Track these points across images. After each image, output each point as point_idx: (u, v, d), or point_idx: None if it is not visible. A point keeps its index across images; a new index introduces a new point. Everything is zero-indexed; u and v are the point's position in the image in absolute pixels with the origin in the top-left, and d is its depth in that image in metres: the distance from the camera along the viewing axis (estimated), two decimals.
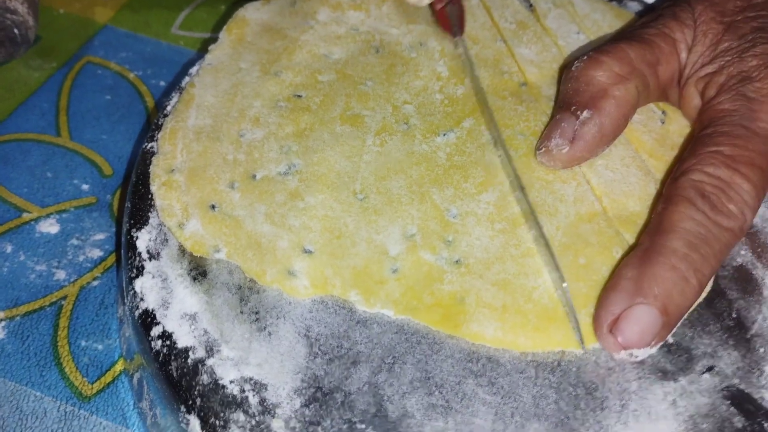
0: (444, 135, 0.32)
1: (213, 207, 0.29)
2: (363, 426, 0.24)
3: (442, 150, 0.31)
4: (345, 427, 0.24)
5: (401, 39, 0.37)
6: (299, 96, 0.33)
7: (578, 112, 0.29)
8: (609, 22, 0.37)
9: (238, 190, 0.30)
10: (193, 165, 0.31)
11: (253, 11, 0.37)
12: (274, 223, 0.29)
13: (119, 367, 0.31)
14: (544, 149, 0.30)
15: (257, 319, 0.27)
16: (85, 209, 0.36)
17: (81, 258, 0.34)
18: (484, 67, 0.35)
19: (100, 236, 0.35)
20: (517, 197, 0.29)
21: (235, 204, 0.29)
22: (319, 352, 0.26)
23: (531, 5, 0.38)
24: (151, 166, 0.31)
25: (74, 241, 0.35)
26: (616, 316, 0.25)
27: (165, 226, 0.29)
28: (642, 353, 0.25)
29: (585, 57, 0.31)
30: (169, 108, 0.33)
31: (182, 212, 0.29)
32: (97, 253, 0.34)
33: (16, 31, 0.39)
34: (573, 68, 0.31)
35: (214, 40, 0.36)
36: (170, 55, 0.44)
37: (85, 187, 0.37)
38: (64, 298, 0.33)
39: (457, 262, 0.28)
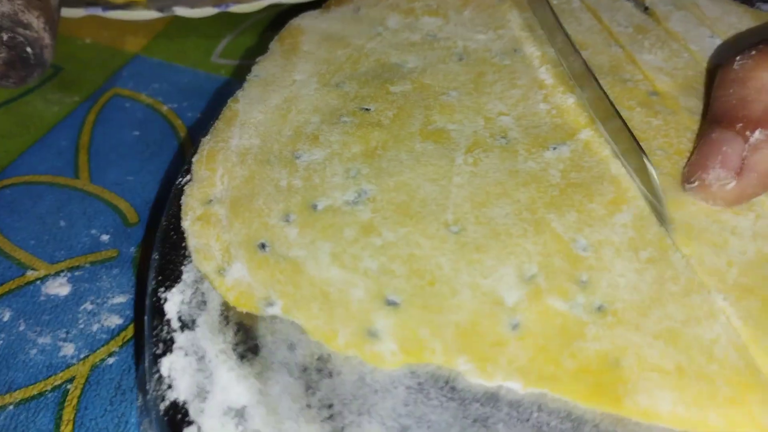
0: (554, 149, 0.25)
1: (263, 246, 0.22)
2: None
3: (553, 167, 0.24)
4: None
5: (489, 45, 0.30)
6: (367, 109, 0.27)
7: (747, 132, 0.22)
8: (747, 25, 0.30)
9: (294, 225, 0.23)
10: (237, 194, 0.24)
11: (310, 20, 0.31)
12: (345, 266, 0.21)
13: None
14: (697, 183, 0.22)
15: (331, 415, 0.19)
16: (104, 265, 0.29)
17: (95, 327, 0.27)
18: (599, 75, 0.28)
19: (120, 299, 0.28)
20: (657, 210, 0.22)
21: (292, 242, 0.22)
22: None
23: (646, 8, 0.31)
24: (183, 198, 0.24)
25: (88, 306, 0.27)
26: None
27: (201, 274, 0.22)
28: None
29: (753, 52, 0.23)
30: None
31: (223, 254, 0.22)
32: (115, 321, 0.27)
33: (29, 49, 0.33)
34: (736, 66, 0.23)
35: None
36: (209, 86, 0.38)
37: (104, 237, 0.30)
38: (71, 380, 0.25)
39: (599, 309, 0.20)
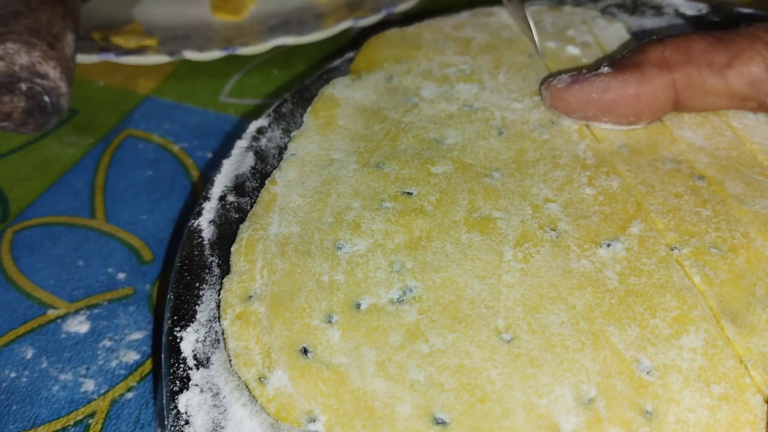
0: (608, 246, 0.23)
1: (305, 352, 0.21)
2: None
3: (609, 267, 0.22)
4: None
5: (527, 116, 0.28)
6: (409, 193, 0.25)
7: (603, 66, 0.27)
8: None
9: (338, 327, 0.21)
10: (278, 290, 0.22)
11: (343, 89, 0.30)
12: (390, 377, 0.20)
13: None
14: (551, 78, 0.28)
15: None
16: (120, 303, 0.29)
17: (113, 363, 0.27)
18: (637, 154, 0.26)
19: (137, 335, 0.28)
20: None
21: (335, 347, 0.21)
22: None
23: None
24: (222, 292, 0.23)
25: (106, 343, 0.28)
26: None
27: (215, 313, 0.22)
28: None
29: (655, 36, 0.28)
30: (217, 185, 0.26)
31: (263, 359, 0.21)
32: (132, 357, 0.27)
33: (46, 98, 0.32)
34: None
35: (265, 106, 0.29)
36: (218, 124, 0.38)
37: (120, 276, 0.30)
38: (93, 414, 0.25)
39: None
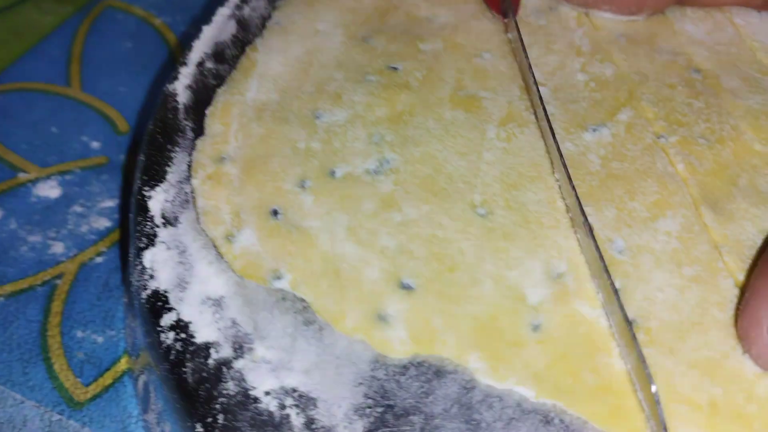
0: (594, 130, 0.22)
1: (275, 213, 0.20)
2: None
3: (593, 152, 0.21)
4: None
5: (525, 1, 0.27)
6: (395, 68, 0.24)
7: None
8: None
9: (310, 192, 0.21)
10: (252, 153, 0.21)
11: None
12: (361, 242, 0.19)
13: (122, 366, 0.23)
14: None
15: (304, 308, 0.19)
16: (94, 171, 0.29)
17: (84, 228, 0.27)
18: (634, 44, 0.25)
19: (109, 203, 0.28)
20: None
21: (306, 211, 0.20)
22: (389, 357, 0.17)
23: None
24: (194, 153, 0.22)
25: (77, 208, 0.27)
26: None
27: (186, 175, 0.21)
28: None
29: None
30: (195, 51, 0.25)
31: (232, 219, 0.20)
32: (103, 223, 0.27)
33: None
34: None
35: None
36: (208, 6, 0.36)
37: (95, 144, 0.30)
38: (60, 276, 0.25)
39: (632, 321, 0.18)
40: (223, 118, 0.22)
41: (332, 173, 0.21)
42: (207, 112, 0.23)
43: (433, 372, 0.17)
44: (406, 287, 0.19)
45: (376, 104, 0.23)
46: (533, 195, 0.20)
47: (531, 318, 0.18)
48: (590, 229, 0.18)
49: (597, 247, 0.18)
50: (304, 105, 0.23)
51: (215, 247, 0.20)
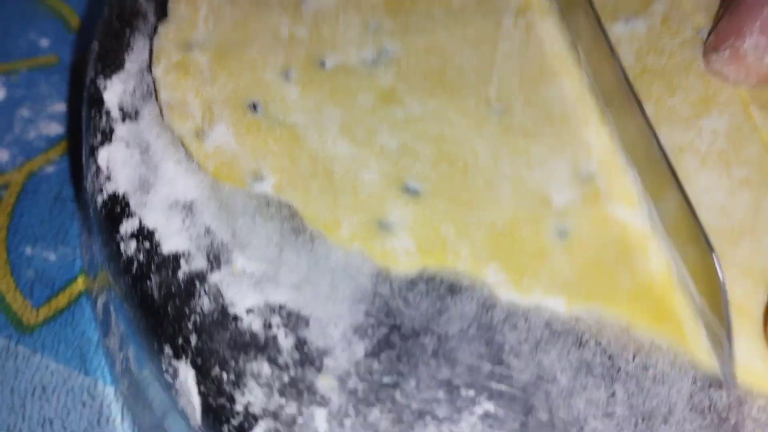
0: (626, 22, 0.19)
1: (254, 107, 0.17)
2: (472, 392, 0.13)
3: (626, 44, 0.18)
4: (441, 392, 0.13)
5: None
6: None
7: None
8: None
9: (296, 83, 0.17)
10: (225, 40, 0.18)
11: None
12: (356, 141, 0.16)
13: (79, 286, 0.20)
14: (729, 52, 0.17)
15: (292, 215, 0.16)
16: (42, 71, 0.26)
17: (32, 134, 0.24)
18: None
19: (60, 107, 0.25)
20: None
21: (291, 105, 0.17)
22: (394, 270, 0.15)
23: None
24: (155, 39, 0.18)
25: (24, 112, 0.25)
26: None
27: (147, 64, 0.18)
28: None
29: None
30: None
31: (203, 113, 0.17)
32: (54, 129, 0.24)
33: None
34: None
35: None
36: None
37: (43, 42, 0.27)
38: (6, 186, 0.23)
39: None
40: (190, 0, 0.19)
41: (322, 63, 0.18)
42: None
43: (446, 287, 0.14)
44: (411, 191, 0.16)
45: None
46: (557, 90, 0.17)
47: (557, 223, 0.15)
48: (638, 101, 0.16)
49: (646, 118, 0.15)
50: None
51: (184, 146, 0.16)
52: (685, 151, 0.16)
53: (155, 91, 0.17)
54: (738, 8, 0.17)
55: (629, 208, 0.15)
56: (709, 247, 0.13)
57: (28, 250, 0.21)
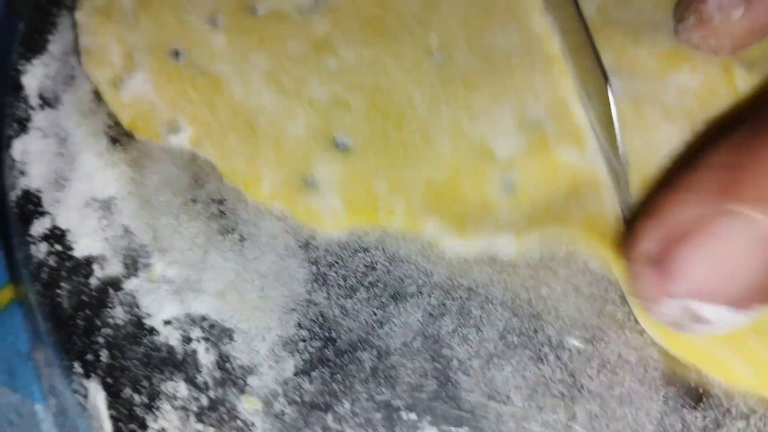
0: None
1: (176, 54, 0.16)
2: (414, 415, 0.12)
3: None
4: (379, 415, 0.12)
5: None
6: None
7: None
8: None
9: (223, 30, 0.16)
10: None
11: None
12: (283, 91, 0.15)
13: (8, 294, 0.19)
14: (694, 18, 0.16)
15: (221, 212, 0.14)
16: None
17: None
18: None
19: None
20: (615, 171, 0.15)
21: (217, 52, 0.15)
22: (332, 275, 0.13)
23: None
24: None
25: None
26: (675, 233, 0.11)
27: (85, 70, 0.16)
28: (713, 315, 0.11)
29: None
30: None
31: (123, 60, 0.15)
32: None
33: None
34: None
35: None
36: None
37: None
38: None
39: (628, 164, 0.14)
40: None
41: (253, 9, 0.16)
42: None
43: (389, 295, 0.13)
44: (340, 146, 0.14)
45: None
46: (504, 39, 0.16)
47: (501, 176, 0.14)
48: (592, 45, 0.14)
49: (599, 62, 0.14)
50: None
51: (101, 94, 0.15)
52: (647, 101, 0.15)
53: (75, 36, 0.16)
54: None
55: (578, 149, 0.14)
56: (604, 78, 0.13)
57: None
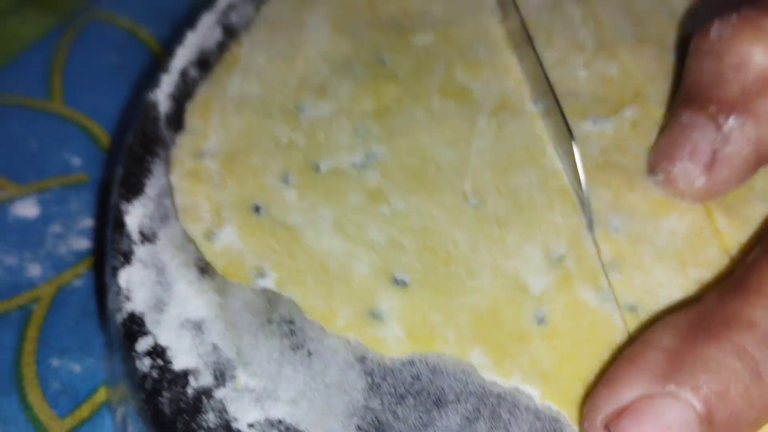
0: (595, 122, 0.21)
1: (257, 209, 0.19)
2: None
3: (593, 141, 0.20)
4: None
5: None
6: (383, 61, 0.23)
7: (721, 118, 0.17)
8: None
9: (294, 186, 0.19)
10: (232, 148, 0.20)
11: None
12: (348, 237, 0.18)
13: (101, 397, 0.21)
14: (663, 176, 0.18)
15: (291, 331, 0.17)
16: (74, 188, 0.27)
17: (63, 250, 0.25)
18: (643, 44, 0.23)
19: (89, 222, 0.26)
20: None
21: (290, 206, 0.19)
22: (385, 385, 0.16)
23: None
24: (173, 149, 0.20)
25: (56, 228, 0.26)
26: (623, 407, 0.13)
27: (166, 187, 0.20)
28: None
29: (733, 18, 0.18)
30: (178, 58, 0.23)
31: (213, 216, 0.19)
32: (83, 244, 0.25)
33: None
34: (712, 35, 0.18)
35: None
36: (194, 12, 0.35)
37: (75, 161, 0.28)
38: (37, 300, 0.23)
39: (632, 309, 0.16)
40: (203, 112, 0.21)
41: (317, 167, 0.20)
42: (187, 107, 0.21)
43: (432, 401, 0.16)
44: (399, 282, 0.17)
45: (362, 96, 0.21)
46: (525, 179, 0.19)
47: (534, 309, 0.16)
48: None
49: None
50: (288, 98, 0.21)
51: (195, 246, 0.18)
52: (641, 241, 0.18)
53: (171, 196, 0.19)
54: (671, 127, 0.18)
55: (597, 292, 0.17)
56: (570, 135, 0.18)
57: (55, 362, 0.22)
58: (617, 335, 0.16)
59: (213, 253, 0.18)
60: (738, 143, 0.17)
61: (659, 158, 0.18)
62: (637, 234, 0.18)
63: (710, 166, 0.17)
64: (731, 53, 0.17)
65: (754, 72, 0.17)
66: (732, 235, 0.18)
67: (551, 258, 0.17)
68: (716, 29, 0.18)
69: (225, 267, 0.18)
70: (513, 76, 0.22)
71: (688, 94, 0.19)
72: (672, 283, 0.17)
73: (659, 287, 0.17)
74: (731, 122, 0.17)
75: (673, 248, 0.17)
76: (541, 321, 0.16)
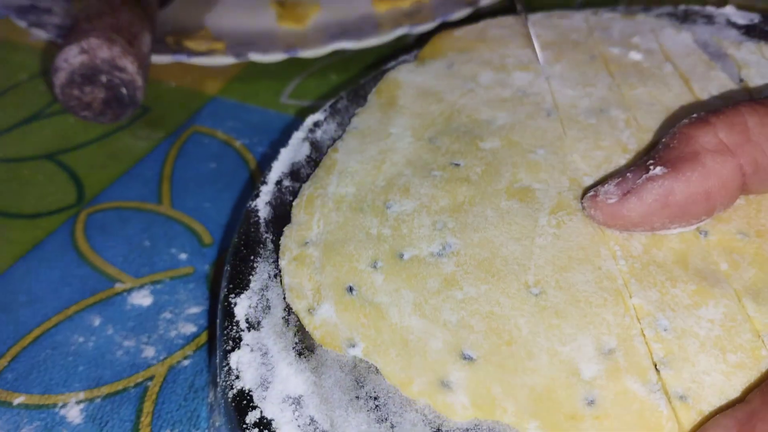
0: None
1: (350, 290, 0.22)
2: None
3: (636, 239, 0.23)
4: None
5: (577, 102, 0.29)
6: (457, 165, 0.26)
7: (651, 165, 0.22)
8: None
9: (381, 271, 0.23)
10: (331, 238, 0.24)
11: (407, 73, 0.31)
12: (425, 317, 0.21)
13: None
14: (592, 193, 0.23)
15: (376, 406, 0.20)
16: (181, 280, 0.31)
17: (173, 333, 0.28)
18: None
19: (195, 310, 0.29)
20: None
21: (378, 288, 0.22)
22: None
23: (741, 80, 0.30)
24: (282, 238, 0.25)
25: (167, 315, 0.29)
26: None
27: (266, 283, 0.23)
28: None
29: (695, 115, 0.23)
30: (274, 171, 0.28)
31: (314, 294, 0.22)
32: (190, 329, 0.29)
33: (123, 90, 0.34)
34: (678, 124, 0.23)
35: (317, 107, 0.31)
36: (277, 123, 0.40)
37: (182, 256, 0.32)
38: (151, 378, 0.27)
39: (682, 398, 0.18)
40: (308, 208, 0.25)
41: (401, 256, 0.23)
42: (293, 203, 0.26)
43: None
44: (467, 358, 0.20)
45: (439, 196, 0.25)
46: (582, 276, 0.22)
47: (585, 392, 0.19)
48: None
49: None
50: (377, 197, 0.25)
51: (299, 319, 0.22)
52: (686, 335, 0.20)
53: (280, 278, 0.23)
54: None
55: (645, 384, 0.19)
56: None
57: None
58: (664, 421, 0.18)
59: (313, 325, 0.22)
60: (654, 184, 0.22)
61: (597, 184, 0.24)
62: (683, 329, 0.20)
63: (626, 193, 0.22)
64: (684, 134, 0.22)
65: (692, 146, 0.22)
66: (760, 319, 0.20)
67: (602, 350, 0.20)
68: (683, 121, 0.23)
69: (322, 337, 0.21)
70: (567, 176, 0.25)
71: (645, 156, 0.23)
72: (715, 369, 0.19)
73: (704, 375, 0.19)
74: (657, 170, 0.22)
75: (713, 336, 0.20)
76: (591, 403, 0.19)
